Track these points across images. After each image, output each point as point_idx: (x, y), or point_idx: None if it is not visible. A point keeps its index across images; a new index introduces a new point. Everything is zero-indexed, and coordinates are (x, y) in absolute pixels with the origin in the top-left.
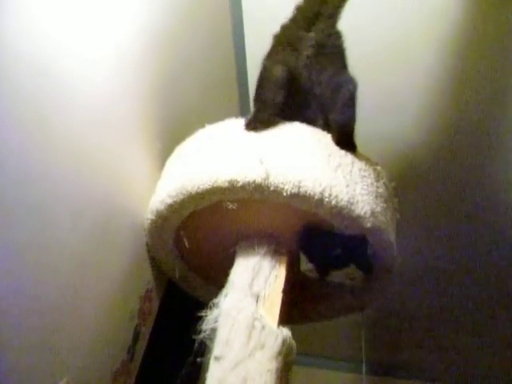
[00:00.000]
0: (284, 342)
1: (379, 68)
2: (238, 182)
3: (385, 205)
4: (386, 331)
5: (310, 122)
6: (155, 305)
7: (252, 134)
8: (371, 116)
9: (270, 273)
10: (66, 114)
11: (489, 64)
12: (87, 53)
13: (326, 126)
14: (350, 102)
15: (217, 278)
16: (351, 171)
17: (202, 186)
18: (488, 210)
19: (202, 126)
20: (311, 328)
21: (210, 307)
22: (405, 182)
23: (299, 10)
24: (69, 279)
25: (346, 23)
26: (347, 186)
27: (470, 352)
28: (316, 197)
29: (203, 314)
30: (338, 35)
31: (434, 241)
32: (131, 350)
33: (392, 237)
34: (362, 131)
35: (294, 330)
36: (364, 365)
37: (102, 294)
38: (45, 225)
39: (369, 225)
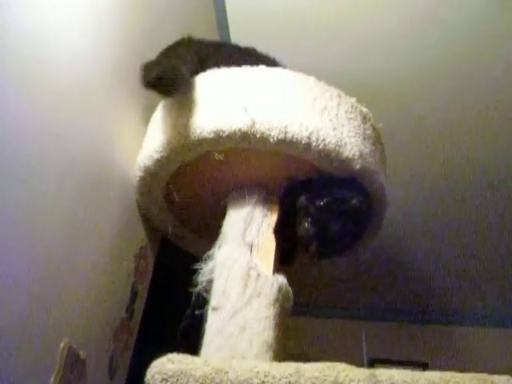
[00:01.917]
0: (280, 288)
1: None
2: (224, 131)
3: (373, 147)
4: (381, 277)
5: None
6: (150, 262)
7: (235, 82)
8: (360, 58)
9: (262, 221)
10: (49, 71)
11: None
12: (65, 11)
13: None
14: None
15: (210, 232)
16: (337, 114)
17: (188, 138)
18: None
19: None
20: (308, 277)
21: (205, 259)
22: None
23: None
24: (61, 242)
25: None
26: (334, 128)
27: (461, 295)
28: (303, 141)
29: (198, 266)
30: None
31: (427, 188)
32: (130, 308)
33: (382, 178)
34: (350, 72)
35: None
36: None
37: (96, 255)
38: (30, 186)
39: (358, 166)
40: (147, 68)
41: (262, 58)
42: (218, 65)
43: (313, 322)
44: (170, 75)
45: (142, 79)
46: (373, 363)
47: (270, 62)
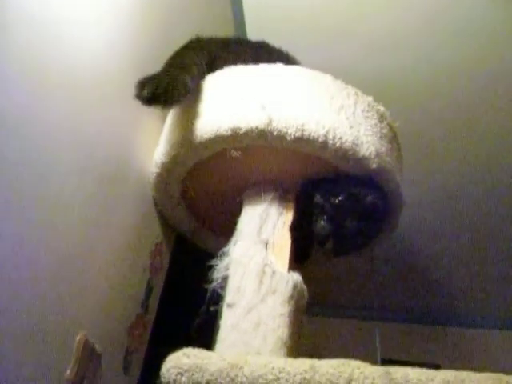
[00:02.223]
0: (295, 286)
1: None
2: (241, 129)
3: (390, 145)
4: (395, 278)
5: None
6: (166, 258)
7: (252, 80)
8: (377, 56)
9: (278, 219)
10: (70, 68)
11: None
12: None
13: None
14: None
15: (225, 228)
16: (354, 112)
17: (204, 136)
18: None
19: None
20: (322, 277)
21: (220, 256)
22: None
23: None
24: (78, 237)
25: None
26: (351, 127)
27: (474, 297)
28: (320, 139)
29: (213, 263)
30: None
31: (443, 189)
32: (145, 304)
33: (398, 177)
34: (366, 71)
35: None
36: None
37: (113, 251)
38: (47, 181)
39: (374, 166)
40: (141, 84)
41: (275, 52)
42: (230, 62)
43: (326, 322)
44: (162, 90)
45: (135, 96)
46: (385, 364)
47: (283, 56)
